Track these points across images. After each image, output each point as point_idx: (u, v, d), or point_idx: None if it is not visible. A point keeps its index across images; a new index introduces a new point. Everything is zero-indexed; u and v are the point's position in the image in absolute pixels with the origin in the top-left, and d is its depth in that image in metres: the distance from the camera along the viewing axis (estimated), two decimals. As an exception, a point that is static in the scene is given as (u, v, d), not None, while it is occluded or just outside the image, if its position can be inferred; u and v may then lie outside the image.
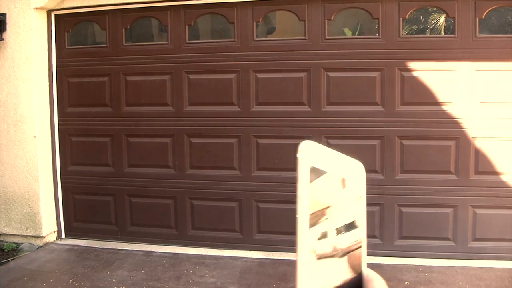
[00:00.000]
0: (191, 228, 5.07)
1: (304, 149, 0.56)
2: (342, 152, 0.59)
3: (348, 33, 4.83)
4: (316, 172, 0.56)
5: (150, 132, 5.09)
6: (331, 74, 4.65)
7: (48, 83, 5.21)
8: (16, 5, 4.99)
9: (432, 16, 4.69)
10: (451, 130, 4.46)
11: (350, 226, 0.58)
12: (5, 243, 5.15)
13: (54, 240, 5.29)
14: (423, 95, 4.49)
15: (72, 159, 5.32)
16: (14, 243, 5.16)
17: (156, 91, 5.02)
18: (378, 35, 4.56)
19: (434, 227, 4.56)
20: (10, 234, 5.24)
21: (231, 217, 4.94)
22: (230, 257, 4.73)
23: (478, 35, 4.37)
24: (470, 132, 4.44)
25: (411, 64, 4.49)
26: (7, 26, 5.02)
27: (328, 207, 0.55)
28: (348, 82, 4.64)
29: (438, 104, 4.47)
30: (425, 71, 4.47)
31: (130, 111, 5.10)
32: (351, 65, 4.61)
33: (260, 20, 4.79)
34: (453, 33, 4.43)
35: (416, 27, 4.72)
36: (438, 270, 4.29)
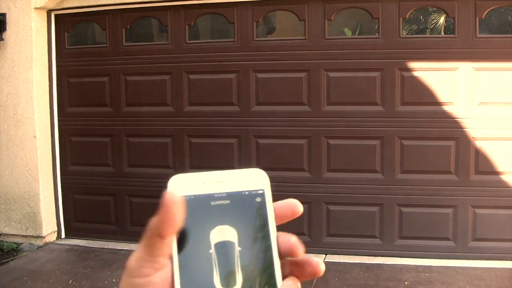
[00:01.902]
0: (191, 228, 5.06)
1: (172, 183, 0.53)
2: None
3: (348, 33, 4.83)
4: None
5: (150, 132, 5.09)
6: (331, 74, 4.65)
7: (48, 83, 5.21)
8: (16, 5, 4.99)
9: (432, 16, 4.69)
10: (451, 130, 4.46)
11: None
12: (5, 243, 5.15)
13: (54, 240, 5.29)
14: (423, 95, 4.49)
15: (72, 159, 5.32)
16: (14, 243, 5.16)
17: (156, 91, 5.02)
18: (378, 35, 4.55)
19: (434, 227, 4.56)
20: (10, 234, 5.24)
21: (231, 217, 4.93)
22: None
23: (478, 35, 4.37)
24: (470, 132, 4.43)
25: (411, 64, 4.49)
26: (7, 26, 5.01)
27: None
28: (348, 82, 4.63)
29: (438, 104, 4.47)
30: (425, 71, 4.47)
31: (130, 111, 5.10)
32: (351, 65, 4.60)
33: (260, 20, 4.79)
34: (453, 33, 4.43)
35: (416, 27, 4.72)
36: (438, 270, 4.29)
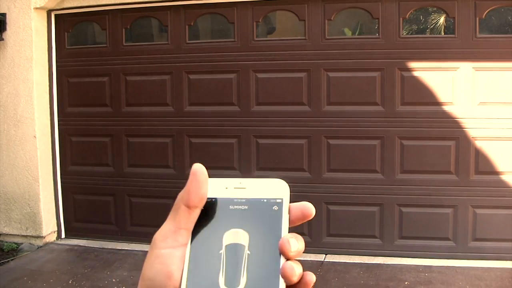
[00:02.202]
0: (191, 228, 5.06)
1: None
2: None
3: (348, 33, 4.83)
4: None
5: (150, 132, 5.09)
6: (331, 74, 4.65)
7: (48, 83, 5.21)
8: (16, 5, 4.99)
9: (432, 16, 4.69)
10: (451, 130, 4.46)
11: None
12: (5, 243, 5.15)
13: (54, 240, 5.29)
14: (423, 95, 4.49)
15: (72, 159, 5.32)
16: (14, 243, 5.16)
17: (156, 91, 5.02)
18: (378, 35, 4.55)
19: (434, 227, 4.56)
20: (10, 234, 5.24)
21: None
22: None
23: (478, 35, 4.37)
24: (470, 132, 4.43)
25: (411, 64, 4.49)
26: (7, 26, 5.02)
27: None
28: (348, 82, 4.63)
29: (438, 104, 4.47)
30: (425, 71, 4.47)
31: (130, 111, 5.10)
32: (351, 65, 4.60)
33: (260, 20, 4.79)
34: (453, 33, 4.43)
35: (416, 27, 4.72)
36: (438, 270, 4.29)
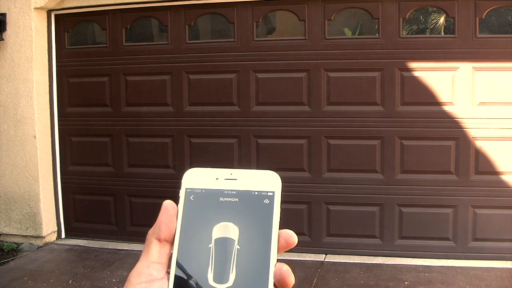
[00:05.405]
0: (191, 228, 5.06)
1: (186, 176, 0.56)
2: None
3: (348, 33, 4.83)
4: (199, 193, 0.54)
5: (150, 132, 5.09)
6: (331, 74, 4.65)
7: (48, 83, 5.21)
8: (16, 5, 4.99)
9: (432, 16, 4.69)
10: (451, 130, 4.46)
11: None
12: (5, 243, 5.15)
13: (54, 240, 5.29)
14: (423, 95, 4.49)
15: (72, 159, 5.32)
16: (14, 243, 5.16)
17: (156, 91, 5.02)
18: (378, 35, 4.56)
19: (434, 227, 4.56)
20: (10, 234, 5.24)
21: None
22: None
23: (478, 35, 4.37)
24: (470, 132, 4.44)
25: (411, 64, 4.49)
26: (7, 26, 5.02)
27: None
28: (348, 82, 4.63)
29: (438, 104, 4.47)
30: (425, 71, 4.47)
31: (130, 111, 5.10)
32: (351, 65, 4.60)
33: (260, 20, 4.79)
34: (453, 33, 4.43)
35: (416, 27, 4.72)
36: (438, 270, 4.29)
